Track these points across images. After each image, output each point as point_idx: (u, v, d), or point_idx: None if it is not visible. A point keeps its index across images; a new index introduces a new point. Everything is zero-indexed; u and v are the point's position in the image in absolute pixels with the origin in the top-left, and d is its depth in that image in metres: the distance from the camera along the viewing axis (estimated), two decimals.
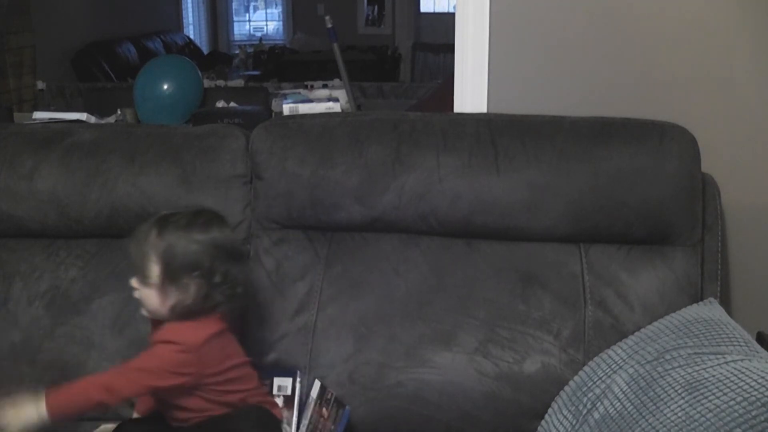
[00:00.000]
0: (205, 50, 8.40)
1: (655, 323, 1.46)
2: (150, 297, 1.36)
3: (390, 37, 8.19)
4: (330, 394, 1.51)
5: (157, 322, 1.41)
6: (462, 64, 1.84)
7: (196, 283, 1.35)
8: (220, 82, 4.80)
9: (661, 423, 1.17)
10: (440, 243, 1.62)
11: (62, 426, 1.60)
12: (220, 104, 3.61)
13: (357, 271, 1.62)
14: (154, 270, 1.34)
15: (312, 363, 1.56)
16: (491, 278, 1.58)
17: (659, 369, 1.29)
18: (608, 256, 1.58)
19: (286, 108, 2.96)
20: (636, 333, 1.46)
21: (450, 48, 1.91)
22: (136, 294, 1.38)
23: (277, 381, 1.55)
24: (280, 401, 1.53)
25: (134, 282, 1.37)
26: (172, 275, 1.34)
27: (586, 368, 1.45)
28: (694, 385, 1.20)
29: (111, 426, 1.46)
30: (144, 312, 1.40)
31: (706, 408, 1.13)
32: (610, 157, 1.55)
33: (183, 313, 1.36)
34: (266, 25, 9.44)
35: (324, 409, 1.47)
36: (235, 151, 1.67)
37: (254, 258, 1.67)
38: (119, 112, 3.44)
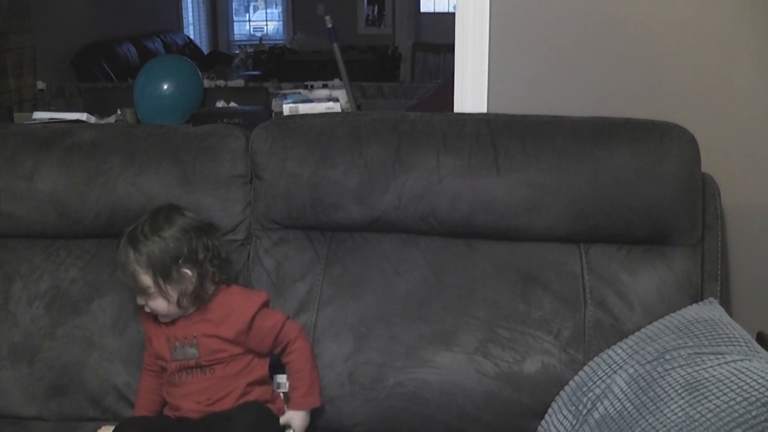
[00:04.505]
0: (205, 50, 8.40)
1: (655, 323, 1.46)
2: (158, 304, 1.45)
3: (390, 37, 8.19)
4: None
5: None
6: (462, 64, 1.84)
7: (187, 268, 1.45)
8: (220, 82, 4.80)
9: (661, 423, 1.17)
10: (440, 243, 1.62)
11: (61, 427, 1.61)
12: (220, 104, 3.60)
13: (357, 271, 1.62)
14: (148, 280, 1.43)
15: None
16: (491, 278, 1.58)
17: (659, 369, 1.29)
18: (608, 256, 1.58)
19: (286, 108, 2.95)
20: (636, 333, 1.46)
21: (450, 48, 1.91)
22: (148, 309, 1.48)
23: (277, 378, 1.55)
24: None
25: (140, 300, 1.48)
26: (163, 275, 1.43)
27: (586, 368, 1.45)
28: (694, 385, 1.20)
29: (111, 427, 1.46)
30: (161, 320, 1.50)
31: (706, 408, 1.13)
32: (610, 157, 1.55)
33: (193, 300, 1.47)
34: (266, 25, 9.44)
35: None
36: (235, 151, 1.67)
37: (254, 258, 1.67)
38: (119, 112, 3.43)
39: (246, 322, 1.47)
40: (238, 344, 1.47)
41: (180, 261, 1.44)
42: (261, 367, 1.51)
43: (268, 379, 1.53)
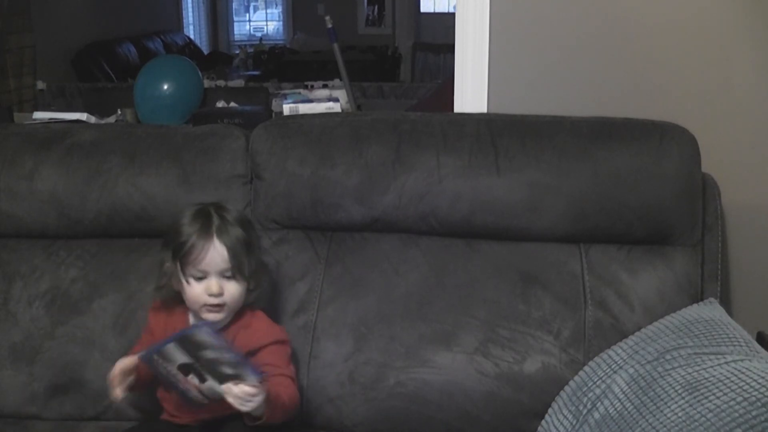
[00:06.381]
0: (205, 50, 8.40)
1: (656, 323, 1.46)
2: (239, 291, 1.39)
3: (390, 37, 8.19)
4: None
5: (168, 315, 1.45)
6: (462, 64, 1.84)
7: (255, 256, 1.43)
8: (220, 82, 4.80)
9: (661, 423, 1.17)
10: (440, 243, 1.62)
11: (61, 427, 1.61)
12: (220, 104, 3.61)
13: (357, 271, 1.62)
14: (246, 262, 1.38)
15: (312, 363, 1.56)
16: (491, 278, 1.58)
17: (659, 369, 1.29)
18: (608, 256, 1.58)
19: (286, 108, 2.96)
20: (636, 333, 1.46)
21: (450, 48, 1.91)
22: (220, 300, 1.37)
23: None
24: None
25: (228, 285, 1.38)
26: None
27: (586, 368, 1.45)
28: (694, 385, 1.20)
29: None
30: (218, 316, 1.39)
31: (706, 408, 1.13)
32: (610, 157, 1.55)
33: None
34: (266, 25, 9.45)
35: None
36: (235, 151, 1.67)
37: None
38: (119, 112, 3.44)
39: (254, 348, 1.40)
40: None
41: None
42: None
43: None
